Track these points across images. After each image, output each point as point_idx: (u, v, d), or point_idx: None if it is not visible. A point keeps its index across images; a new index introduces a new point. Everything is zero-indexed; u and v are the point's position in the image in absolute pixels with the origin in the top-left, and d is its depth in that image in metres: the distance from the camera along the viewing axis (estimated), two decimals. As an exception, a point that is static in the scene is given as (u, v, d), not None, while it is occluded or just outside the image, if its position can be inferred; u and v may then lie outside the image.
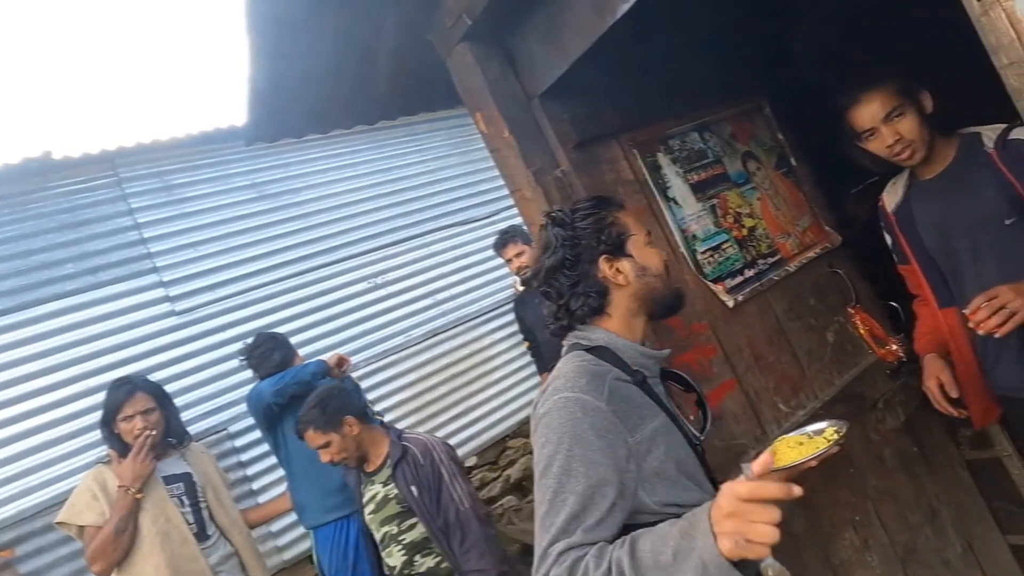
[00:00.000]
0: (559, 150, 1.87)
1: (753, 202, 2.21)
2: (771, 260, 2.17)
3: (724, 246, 2.07)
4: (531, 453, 1.18)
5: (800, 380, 2.09)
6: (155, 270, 3.92)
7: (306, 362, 3.31)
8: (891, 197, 1.89)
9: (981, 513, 2.35)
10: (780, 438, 1.14)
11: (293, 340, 3.54)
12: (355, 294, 4.60)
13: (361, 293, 4.63)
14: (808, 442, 1.08)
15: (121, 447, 2.51)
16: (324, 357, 3.35)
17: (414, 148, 5.28)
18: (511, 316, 4.91)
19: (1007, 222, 1.63)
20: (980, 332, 1.50)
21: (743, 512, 0.85)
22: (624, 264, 1.28)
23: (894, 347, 2.23)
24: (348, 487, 2.74)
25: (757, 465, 0.90)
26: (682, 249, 1.97)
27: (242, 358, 3.35)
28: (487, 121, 1.89)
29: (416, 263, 4.95)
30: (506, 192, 2.03)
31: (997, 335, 1.47)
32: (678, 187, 2.05)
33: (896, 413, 2.21)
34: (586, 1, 1.62)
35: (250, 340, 3.40)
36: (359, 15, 1.88)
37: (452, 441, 3.96)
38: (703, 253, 2.02)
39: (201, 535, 2.55)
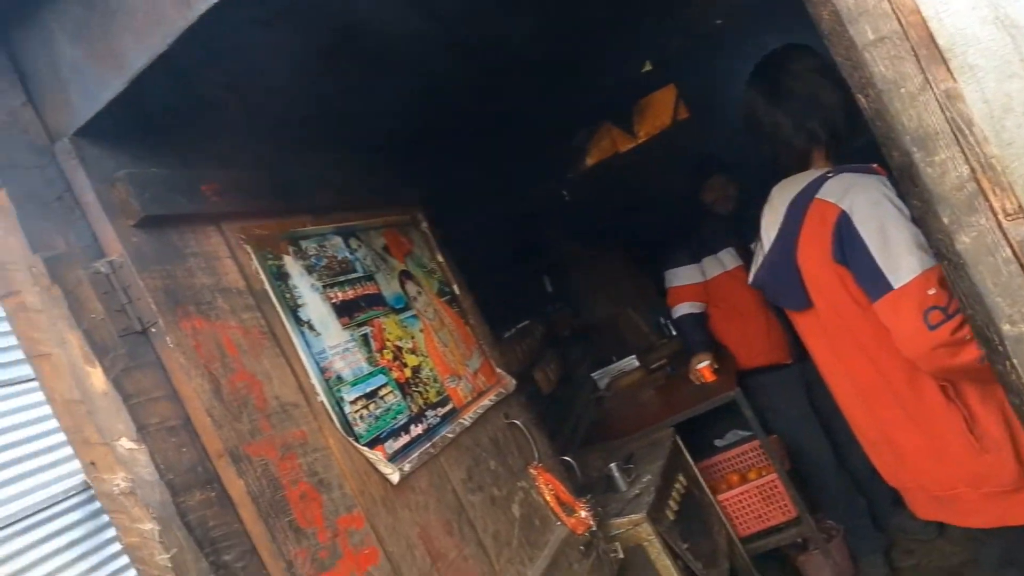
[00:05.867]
0: (107, 227, 1.08)
1: (416, 334, 1.67)
2: (442, 411, 1.60)
3: (382, 392, 1.45)
4: None
5: (489, 580, 1.48)
6: None
7: None
8: None
9: None
10: None
11: None
12: None
13: None
14: None
15: None
16: None
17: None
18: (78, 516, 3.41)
19: None
20: None
21: None
22: None
23: (583, 514, 1.82)
24: None
25: None
26: (322, 398, 1.28)
27: None
28: (-49, 161, 1.01)
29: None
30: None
31: None
32: (315, 306, 1.39)
33: (593, 602, 1.75)
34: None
35: None
36: None
37: None
38: (353, 403, 1.35)
39: None
